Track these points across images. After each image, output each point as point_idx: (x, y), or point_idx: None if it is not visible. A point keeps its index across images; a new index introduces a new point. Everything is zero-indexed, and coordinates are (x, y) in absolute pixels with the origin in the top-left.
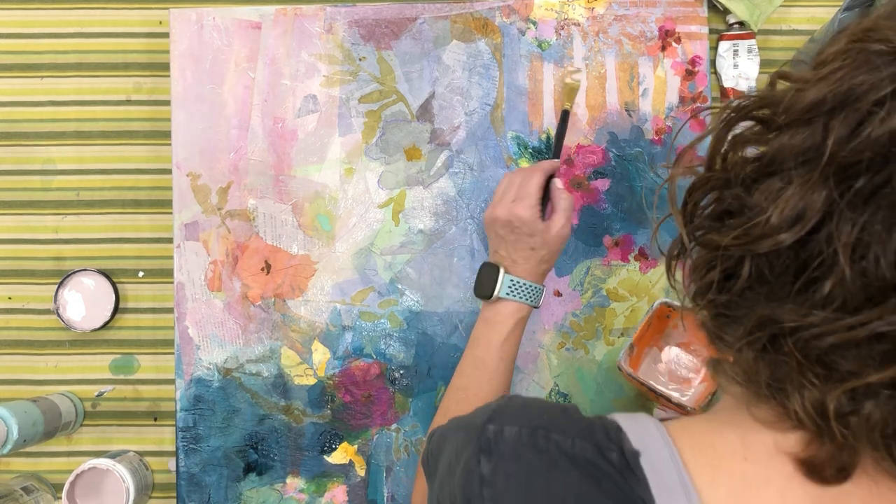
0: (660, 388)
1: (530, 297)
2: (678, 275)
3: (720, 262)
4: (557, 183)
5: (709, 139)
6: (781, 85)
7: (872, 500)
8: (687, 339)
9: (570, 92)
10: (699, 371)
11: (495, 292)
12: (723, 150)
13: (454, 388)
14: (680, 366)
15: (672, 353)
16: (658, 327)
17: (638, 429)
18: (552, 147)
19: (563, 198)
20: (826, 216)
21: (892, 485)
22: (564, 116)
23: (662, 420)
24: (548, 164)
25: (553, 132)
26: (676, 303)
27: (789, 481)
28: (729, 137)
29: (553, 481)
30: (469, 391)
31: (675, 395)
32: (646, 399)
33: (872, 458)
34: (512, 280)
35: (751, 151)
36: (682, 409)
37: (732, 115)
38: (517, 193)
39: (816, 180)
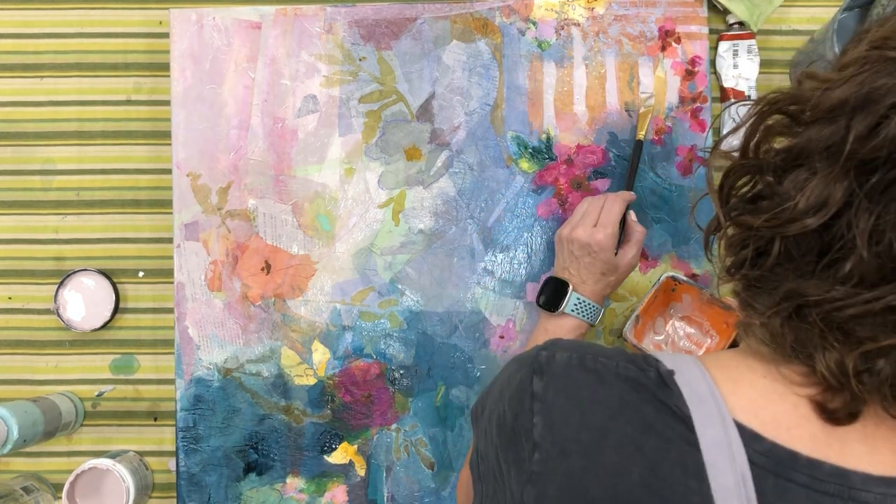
0: None
1: (592, 315)
2: (714, 249)
3: (753, 241)
4: (632, 215)
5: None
6: (807, 83)
7: (873, 435)
8: (691, 312)
9: (643, 118)
10: (701, 345)
11: (562, 307)
12: (756, 140)
13: None
14: (683, 338)
15: (676, 326)
16: (664, 300)
17: (672, 357)
18: (626, 180)
19: (637, 230)
20: (846, 205)
21: (891, 426)
22: (638, 147)
23: None
24: (627, 196)
25: (552, 132)
26: (682, 277)
27: (803, 399)
28: (761, 128)
29: (599, 391)
30: None
31: None
32: None
33: (881, 405)
34: (579, 299)
35: (780, 141)
36: None
37: (765, 108)
38: (599, 220)
39: (838, 173)
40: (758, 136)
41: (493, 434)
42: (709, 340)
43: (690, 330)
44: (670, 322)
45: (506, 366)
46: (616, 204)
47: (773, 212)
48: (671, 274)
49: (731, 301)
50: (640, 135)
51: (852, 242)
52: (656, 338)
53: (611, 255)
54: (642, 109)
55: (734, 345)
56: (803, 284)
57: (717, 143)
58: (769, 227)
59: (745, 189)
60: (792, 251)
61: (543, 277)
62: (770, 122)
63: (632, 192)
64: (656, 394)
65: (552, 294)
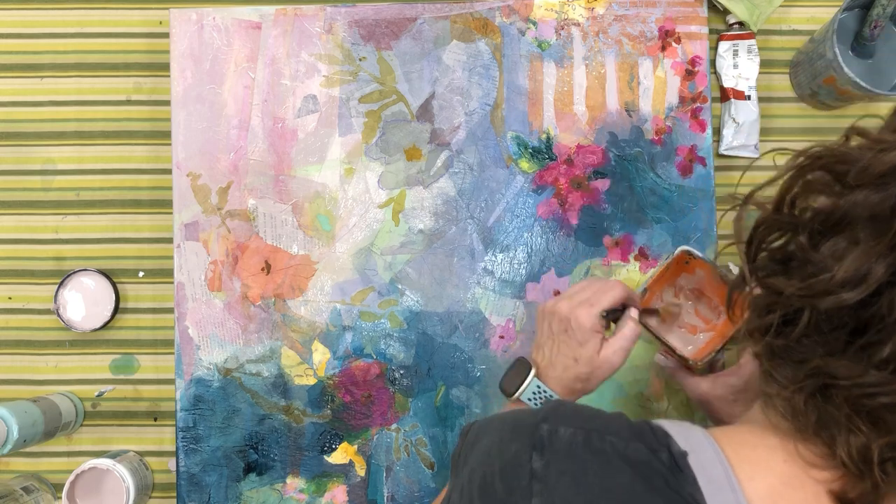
0: (665, 336)
1: None
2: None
3: (780, 307)
4: (633, 312)
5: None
6: (857, 140)
7: None
8: (703, 287)
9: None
10: (709, 321)
11: (517, 394)
12: (792, 194)
13: None
14: (691, 313)
15: (683, 300)
16: (675, 272)
17: (684, 432)
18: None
19: (629, 326)
20: (889, 283)
21: None
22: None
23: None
24: (634, 295)
25: (552, 132)
26: (697, 252)
27: (822, 488)
28: (800, 182)
29: (607, 478)
30: None
31: (678, 346)
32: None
33: None
34: (539, 387)
35: (820, 201)
36: (682, 360)
37: (807, 162)
38: (589, 298)
39: (883, 247)
40: (795, 190)
41: (475, 497)
42: (716, 318)
43: (699, 305)
44: (679, 295)
45: (498, 424)
46: (615, 288)
47: (807, 281)
48: (686, 248)
49: None
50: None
51: (893, 326)
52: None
53: (588, 338)
54: (668, 308)
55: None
56: (833, 363)
57: (751, 193)
58: (800, 297)
59: (776, 248)
60: (822, 325)
61: (543, 278)
62: (810, 177)
63: (638, 302)
64: (669, 481)
65: (514, 376)
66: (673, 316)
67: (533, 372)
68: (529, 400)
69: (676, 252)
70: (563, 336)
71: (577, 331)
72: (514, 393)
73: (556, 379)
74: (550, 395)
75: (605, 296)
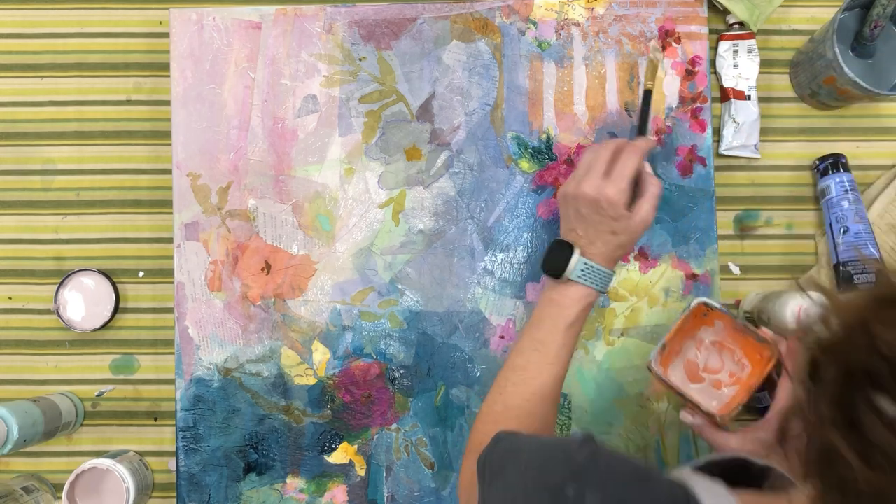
0: (689, 393)
1: (601, 282)
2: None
3: (839, 475)
4: (647, 167)
5: None
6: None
7: None
8: (723, 339)
9: (652, 69)
10: (731, 374)
11: (566, 273)
12: (871, 321)
13: (512, 367)
14: (711, 366)
15: (704, 354)
16: (694, 325)
17: (714, 497)
18: (638, 128)
19: (652, 183)
20: None
21: None
22: (647, 96)
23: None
24: (645, 145)
25: (552, 132)
26: (715, 303)
27: None
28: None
29: None
30: (528, 372)
31: (703, 403)
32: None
33: None
34: (586, 263)
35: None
36: (709, 417)
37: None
38: (611, 172)
39: None
40: (876, 314)
41: None
42: (740, 371)
43: (720, 358)
44: (700, 348)
45: (525, 459)
46: (631, 156)
47: (886, 475)
48: (703, 300)
49: (766, 332)
50: (648, 85)
51: None
52: (684, 367)
53: (621, 211)
54: (650, 56)
55: (769, 380)
56: None
57: (812, 279)
58: (872, 495)
59: (839, 392)
60: None
61: (543, 279)
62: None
63: (650, 139)
64: None
65: (557, 259)
66: (655, 67)
67: (577, 251)
68: (579, 278)
69: (693, 304)
70: (595, 216)
71: (609, 208)
72: (563, 272)
73: (599, 253)
74: (597, 268)
75: (627, 168)
